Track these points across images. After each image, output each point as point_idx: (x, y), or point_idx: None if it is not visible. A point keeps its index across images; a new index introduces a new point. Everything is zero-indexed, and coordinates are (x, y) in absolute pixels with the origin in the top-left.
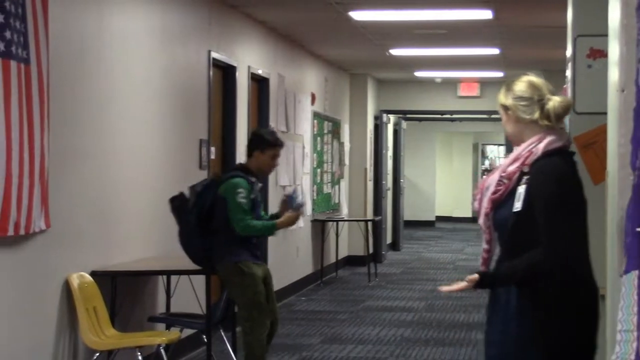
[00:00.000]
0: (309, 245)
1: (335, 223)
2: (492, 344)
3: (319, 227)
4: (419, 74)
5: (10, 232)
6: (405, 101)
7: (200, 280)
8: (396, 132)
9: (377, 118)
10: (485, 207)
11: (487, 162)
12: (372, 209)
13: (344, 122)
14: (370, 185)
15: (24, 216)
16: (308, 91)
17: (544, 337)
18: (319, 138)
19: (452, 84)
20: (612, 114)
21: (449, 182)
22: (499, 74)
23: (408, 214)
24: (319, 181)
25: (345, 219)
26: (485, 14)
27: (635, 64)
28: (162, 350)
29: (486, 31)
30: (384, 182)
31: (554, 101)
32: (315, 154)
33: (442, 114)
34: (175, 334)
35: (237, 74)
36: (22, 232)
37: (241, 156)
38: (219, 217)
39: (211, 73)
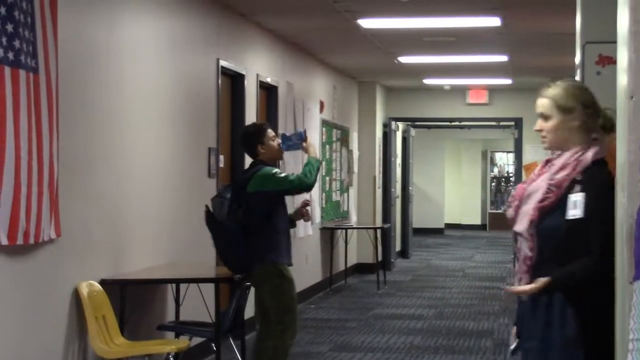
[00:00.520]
0: (318, 253)
1: (344, 231)
2: (533, 351)
3: (328, 235)
4: (427, 81)
5: (20, 241)
6: (413, 109)
7: (209, 289)
8: (405, 140)
9: (386, 126)
10: (531, 214)
11: (495, 170)
12: (381, 217)
13: (352, 129)
14: (379, 192)
15: (33, 225)
16: (317, 99)
17: (590, 340)
18: (327, 146)
19: (460, 91)
20: (622, 120)
21: (457, 190)
22: (508, 81)
23: (417, 222)
24: (327, 189)
25: (354, 226)
26: (494, 21)
27: None
28: (171, 358)
29: (494, 38)
30: (392, 189)
31: (611, 112)
32: (324, 161)
33: (450, 121)
34: (184, 342)
35: (245, 82)
36: (31, 240)
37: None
38: (257, 217)
39: (220, 81)
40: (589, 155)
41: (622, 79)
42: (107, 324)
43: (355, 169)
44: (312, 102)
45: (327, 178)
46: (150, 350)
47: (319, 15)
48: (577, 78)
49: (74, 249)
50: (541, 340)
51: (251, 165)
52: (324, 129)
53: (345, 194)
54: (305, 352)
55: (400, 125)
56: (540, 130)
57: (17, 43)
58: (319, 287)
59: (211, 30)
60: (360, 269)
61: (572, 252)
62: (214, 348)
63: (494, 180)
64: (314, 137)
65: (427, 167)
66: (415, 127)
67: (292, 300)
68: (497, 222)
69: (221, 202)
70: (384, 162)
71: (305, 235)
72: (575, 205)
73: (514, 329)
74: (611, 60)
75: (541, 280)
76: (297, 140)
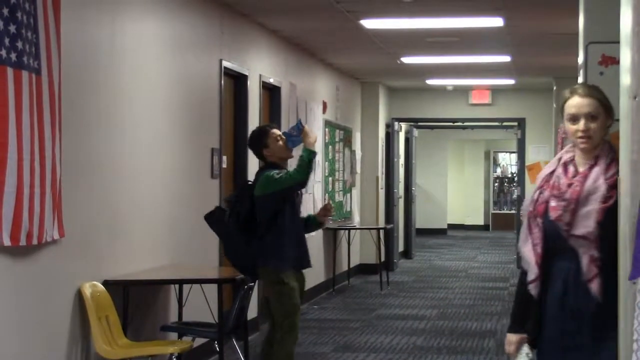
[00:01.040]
0: (321, 253)
1: (347, 231)
2: None
3: (331, 236)
4: (430, 81)
5: (23, 242)
6: (416, 109)
7: (212, 289)
8: (408, 140)
9: (389, 126)
10: (597, 215)
11: (498, 170)
12: (384, 217)
13: (355, 130)
14: (382, 193)
15: (36, 226)
16: (319, 99)
17: None
18: (330, 146)
19: (463, 91)
20: (625, 121)
21: (460, 190)
22: (510, 82)
23: (420, 222)
24: (330, 189)
25: (357, 227)
26: (496, 22)
27: None
28: (174, 359)
29: (497, 38)
30: (395, 190)
31: None
32: (326, 163)
33: (453, 122)
34: (187, 343)
35: (248, 82)
36: (34, 241)
37: (253, 165)
38: (263, 220)
39: (223, 82)
40: (615, 156)
41: (625, 79)
42: (110, 325)
43: (358, 169)
44: (315, 103)
45: (330, 179)
46: (153, 351)
47: (322, 16)
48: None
49: (77, 249)
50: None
51: (261, 168)
52: (326, 130)
53: (348, 195)
54: (308, 352)
55: (403, 125)
56: (585, 131)
57: (19, 44)
58: (322, 287)
59: (214, 31)
60: (363, 269)
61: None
62: (217, 349)
63: (497, 181)
64: (318, 138)
65: (430, 167)
66: (418, 127)
67: (293, 306)
68: (500, 223)
69: (230, 202)
70: (387, 162)
71: (308, 235)
72: None
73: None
74: (614, 61)
75: None
76: (297, 133)
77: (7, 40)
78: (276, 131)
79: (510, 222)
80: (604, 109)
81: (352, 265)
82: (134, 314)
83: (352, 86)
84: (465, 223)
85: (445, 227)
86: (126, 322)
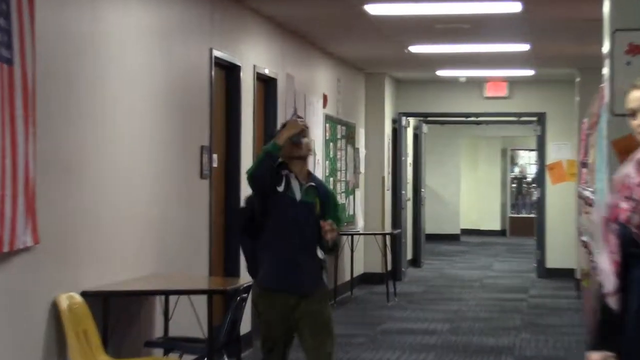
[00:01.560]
0: None
1: (349, 237)
2: None
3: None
4: (441, 73)
5: None
6: (426, 103)
7: (201, 301)
8: (416, 137)
9: (396, 121)
10: None
11: (516, 170)
12: (391, 222)
13: (359, 126)
14: (388, 195)
15: (7, 231)
16: (319, 92)
17: None
18: (331, 144)
19: (477, 83)
20: None
21: (475, 192)
22: (529, 73)
23: (430, 227)
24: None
25: (361, 232)
26: (514, 7)
27: None
28: None
29: (515, 25)
30: (403, 191)
31: None
32: (327, 161)
33: (467, 117)
34: (174, 359)
35: (241, 74)
36: (5, 248)
37: (246, 162)
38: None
39: (213, 73)
40: None
41: None
42: (89, 340)
43: (362, 169)
44: (315, 96)
45: (331, 179)
46: None
47: (322, 1)
48: (606, 69)
49: (52, 257)
50: None
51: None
52: (327, 125)
53: (351, 197)
54: None
55: (412, 121)
56: None
57: None
58: None
59: (204, 18)
60: (368, 279)
61: None
62: None
63: (515, 182)
64: (317, 135)
65: (441, 167)
66: (427, 123)
67: (264, 330)
68: (518, 228)
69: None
70: (394, 161)
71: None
72: None
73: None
74: None
75: None
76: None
77: None
78: (293, 131)
79: (529, 227)
80: None
81: (355, 275)
82: (115, 328)
83: (355, 78)
84: (480, 228)
85: (458, 232)
86: (106, 337)
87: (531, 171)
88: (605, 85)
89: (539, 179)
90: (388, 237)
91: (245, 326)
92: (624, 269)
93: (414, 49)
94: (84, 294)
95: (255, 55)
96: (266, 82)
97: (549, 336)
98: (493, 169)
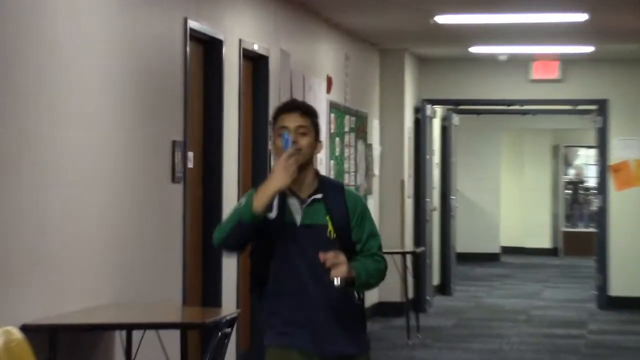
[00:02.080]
0: None
1: None
2: None
3: None
4: (475, 49)
5: None
6: (457, 87)
7: (173, 337)
8: (445, 131)
9: (419, 111)
10: None
11: (571, 172)
12: (412, 237)
13: (372, 116)
14: (409, 203)
15: None
16: (323, 74)
17: None
18: (337, 139)
19: (522, 63)
20: None
21: (519, 200)
22: (588, 49)
23: (462, 245)
24: None
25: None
26: None
27: None
28: None
29: None
30: (428, 199)
31: None
32: (332, 161)
33: (508, 105)
34: None
35: (224, 50)
36: None
37: (230, 162)
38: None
39: (188, 49)
40: None
41: None
42: None
43: (376, 170)
44: (316, 78)
45: None
46: None
47: None
48: None
49: None
50: None
51: None
52: (332, 115)
53: None
54: None
55: (439, 110)
56: None
57: None
58: None
59: None
60: (384, 310)
61: None
62: None
63: (570, 187)
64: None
65: (476, 168)
66: (459, 112)
67: None
68: (573, 245)
69: None
70: (416, 161)
71: None
72: None
73: None
74: None
75: None
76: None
77: None
78: (291, 115)
79: (588, 244)
80: None
81: (368, 305)
82: None
83: (367, 55)
84: (526, 246)
85: (498, 251)
86: None
87: (590, 174)
88: None
89: (600, 184)
90: (409, 257)
91: None
92: None
93: (442, 19)
94: (25, 329)
95: (241, 27)
96: (255, 61)
97: None
98: (541, 171)
